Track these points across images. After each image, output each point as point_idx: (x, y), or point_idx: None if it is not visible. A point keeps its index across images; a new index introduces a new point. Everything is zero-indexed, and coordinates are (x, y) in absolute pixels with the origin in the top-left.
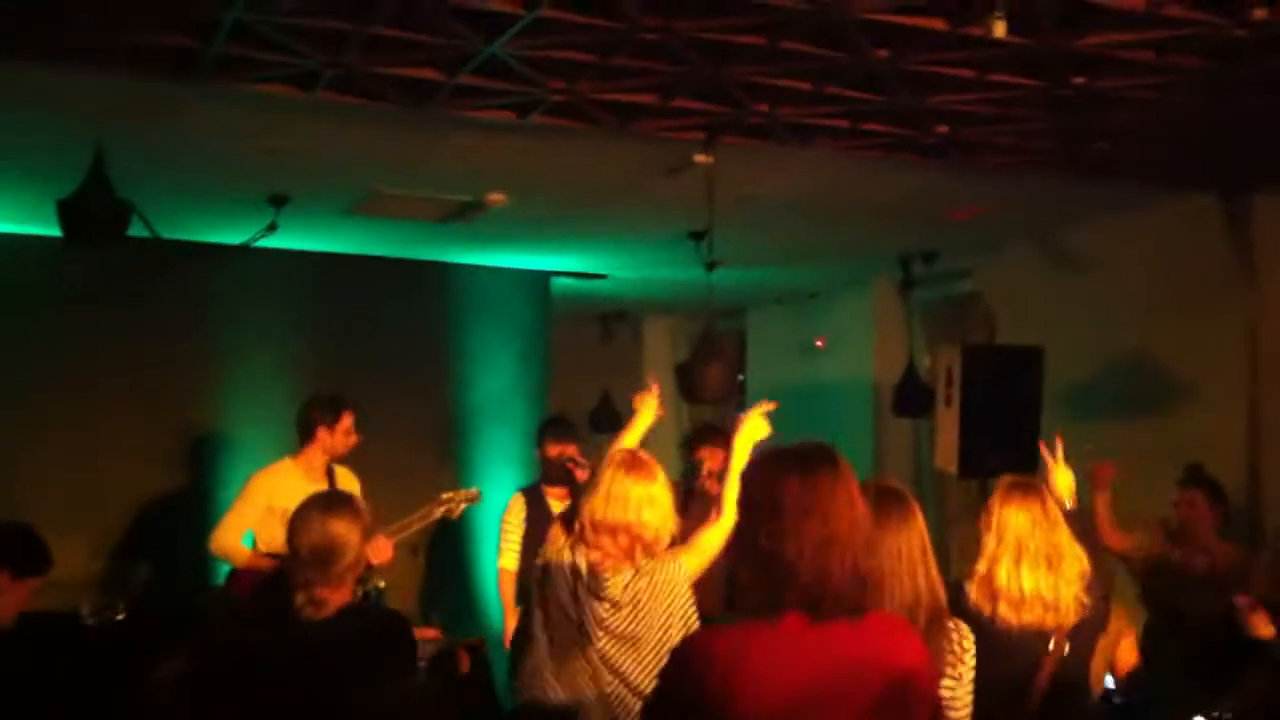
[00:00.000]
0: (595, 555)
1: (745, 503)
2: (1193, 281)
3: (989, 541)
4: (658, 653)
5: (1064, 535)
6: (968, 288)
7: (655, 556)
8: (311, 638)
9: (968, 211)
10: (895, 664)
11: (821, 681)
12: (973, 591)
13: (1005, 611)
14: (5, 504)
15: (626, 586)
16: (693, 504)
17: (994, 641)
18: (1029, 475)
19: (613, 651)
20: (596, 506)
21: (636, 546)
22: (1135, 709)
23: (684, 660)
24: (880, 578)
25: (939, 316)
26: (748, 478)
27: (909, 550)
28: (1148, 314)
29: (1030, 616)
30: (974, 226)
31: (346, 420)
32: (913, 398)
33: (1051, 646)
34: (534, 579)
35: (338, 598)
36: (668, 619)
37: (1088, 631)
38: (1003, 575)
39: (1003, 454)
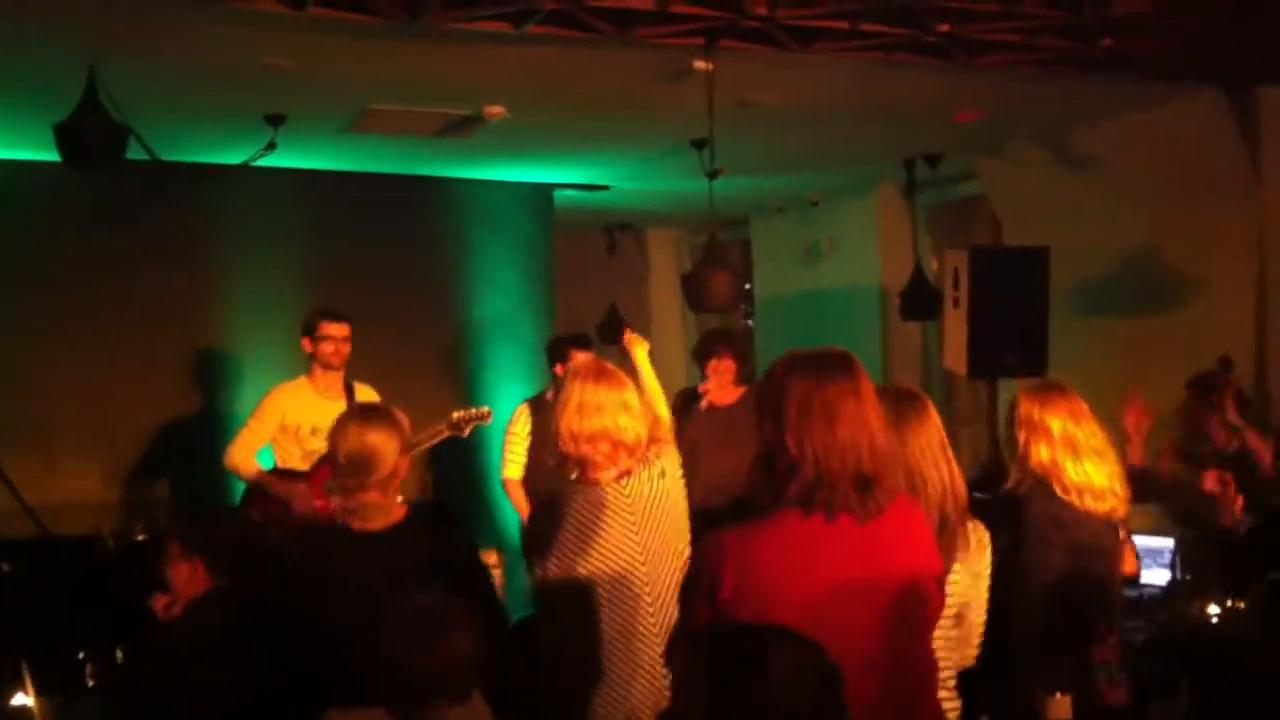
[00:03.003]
0: (581, 467)
1: (759, 405)
2: (1198, 176)
3: (1038, 448)
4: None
5: (1099, 428)
6: (972, 190)
7: (640, 459)
8: (368, 550)
9: (971, 113)
10: (901, 563)
11: (831, 578)
12: (1058, 486)
13: (1091, 503)
14: (20, 431)
15: (639, 496)
16: (700, 413)
17: (1087, 537)
18: (1040, 375)
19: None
20: (571, 419)
21: (620, 451)
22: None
23: (703, 557)
24: (909, 476)
25: (944, 220)
26: (762, 383)
27: (930, 447)
28: (1154, 210)
29: (1106, 506)
30: (978, 128)
31: (325, 326)
32: (920, 301)
33: (1122, 534)
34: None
35: (389, 504)
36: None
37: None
38: (1071, 471)
39: (1012, 354)
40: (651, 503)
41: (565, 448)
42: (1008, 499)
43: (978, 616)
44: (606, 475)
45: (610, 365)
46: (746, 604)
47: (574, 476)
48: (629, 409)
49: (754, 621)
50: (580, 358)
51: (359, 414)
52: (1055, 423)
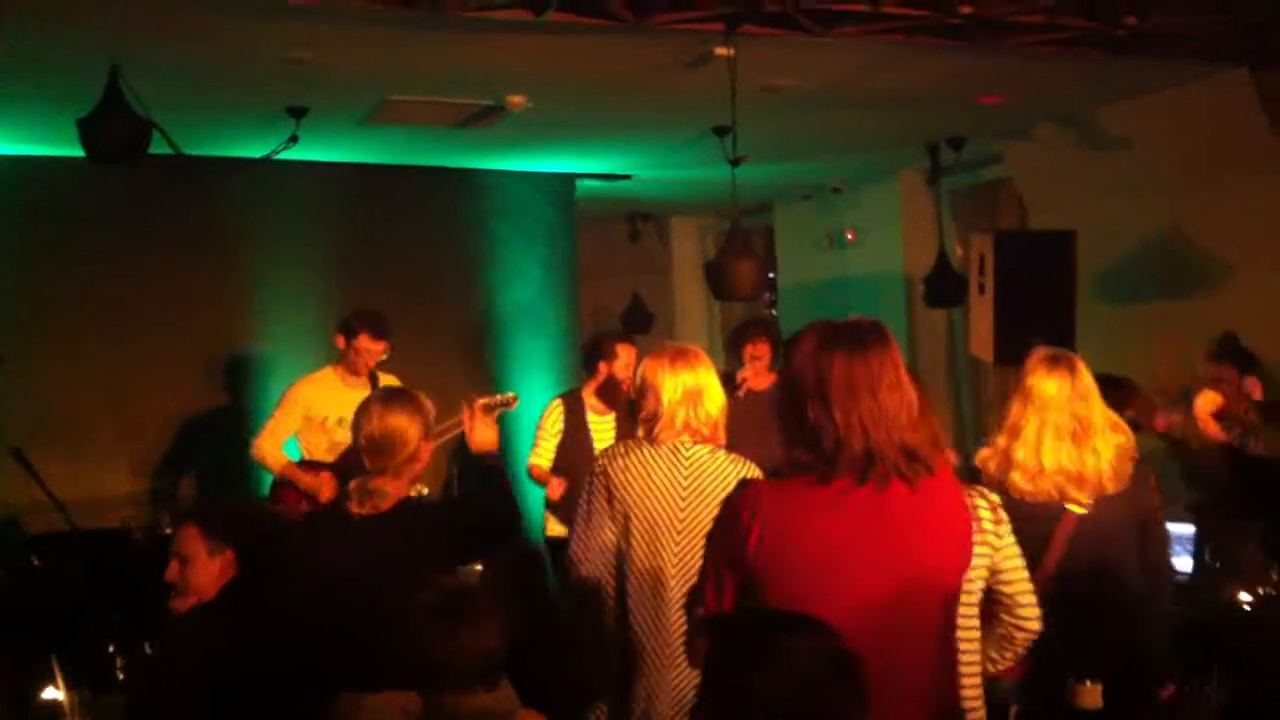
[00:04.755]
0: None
1: (791, 378)
2: (1224, 156)
3: (1014, 408)
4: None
5: (1097, 408)
6: (997, 174)
7: (718, 443)
8: (366, 531)
9: (995, 96)
10: (941, 530)
11: (863, 546)
12: (990, 463)
13: (1018, 481)
14: (47, 426)
15: (696, 463)
16: (738, 400)
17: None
18: None
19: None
20: (679, 404)
21: (718, 431)
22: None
23: (736, 509)
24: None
25: (969, 204)
26: (795, 353)
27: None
28: (1180, 192)
29: (1047, 486)
30: (1002, 110)
31: (363, 340)
32: (945, 287)
33: (1064, 517)
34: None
35: (394, 491)
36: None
37: (1125, 507)
38: (1020, 448)
39: (1038, 339)
40: (707, 475)
41: (672, 424)
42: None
43: (1021, 584)
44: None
45: (690, 346)
46: (780, 564)
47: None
48: (718, 390)
49: (780, 579)
50: (623, 354)
51: (381, 397)
52: (1039, 388)
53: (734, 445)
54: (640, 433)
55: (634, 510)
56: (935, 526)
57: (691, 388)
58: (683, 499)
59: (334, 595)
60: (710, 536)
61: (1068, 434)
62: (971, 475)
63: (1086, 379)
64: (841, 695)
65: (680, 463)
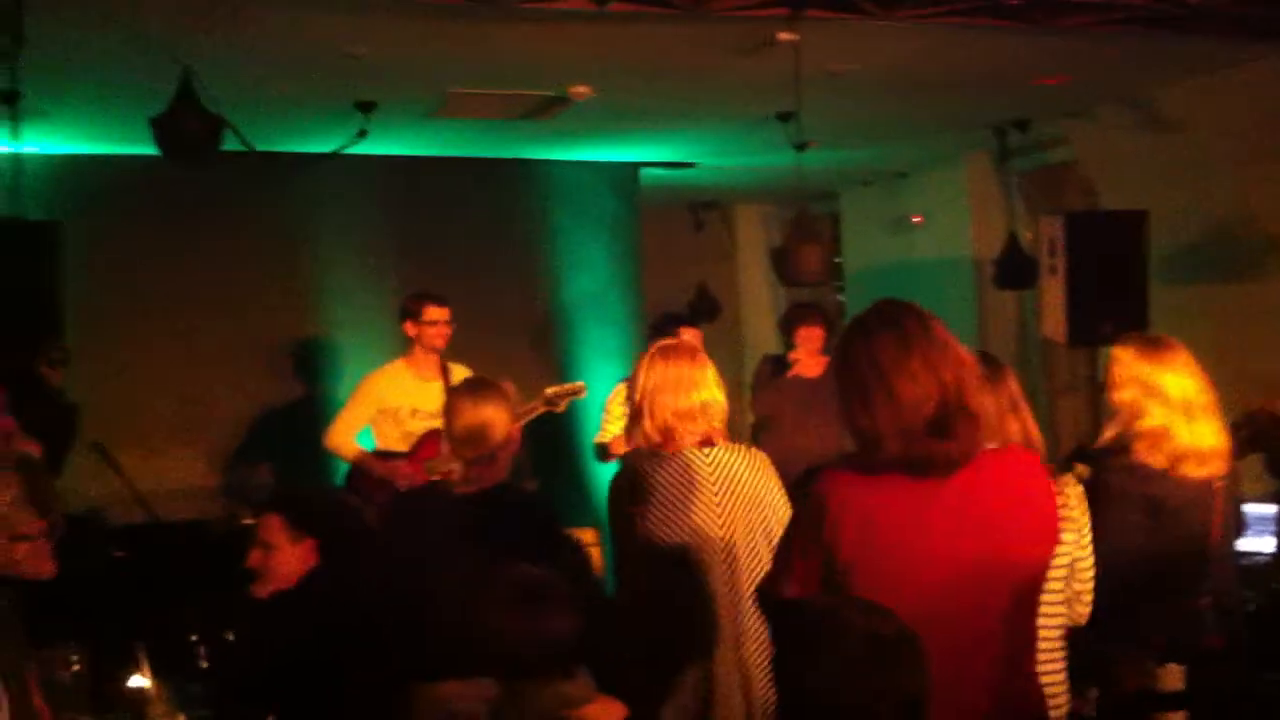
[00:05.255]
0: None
1: (839, 371)
2: None
3: (1150, 405)
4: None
5: (1207, 384)
6: (1065, 156)
7: (724, 436)
8: (463, 509)
9: (1057, 77)
10: (1018, 518)
11: (951, 537)
12: (1143, 450)
13: (1190, 469)
14: (125, 420)
15: (721, 463)
16: (786, 382)
17: (1171, 497)
18: None
19: (725, 545)
20: (670, 397)
21: (714, 425)
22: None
23: (822, 500)
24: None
25: (1037, 186)
26: (842, 343)
27: (1002, 407)
28: (1247, 171)
29: (1208, 470)
30: (1064, 91)
31: (429, 311)
32: (1016, 270)
33: (1222, 489)
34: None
35: (492, 476)
36: (764, 511)
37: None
38: (1184, 433)
39: (1111, 320)
40: (736, 473)
41: (668, 424)
42: (1090, 456)
43: (1086, 573)
44: (691, 444)
45: (682, 341)
46: (865, 557)
47: (657, 444)
48: (715, 383)
49: (865, 568)
50: (686, 335)
51: (469, 388)
52: (1171, 381)
53: (775, 427)
54: (639, 437)
55: (671, 516)
56: (1023, 515)
57: (674, 379)
58: (719, 517)
59: (421, 573)
60: (792, 525)
61: (1208, 412)
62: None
63: (1191, 356)
64: (903, 678)
65: (705, 464)
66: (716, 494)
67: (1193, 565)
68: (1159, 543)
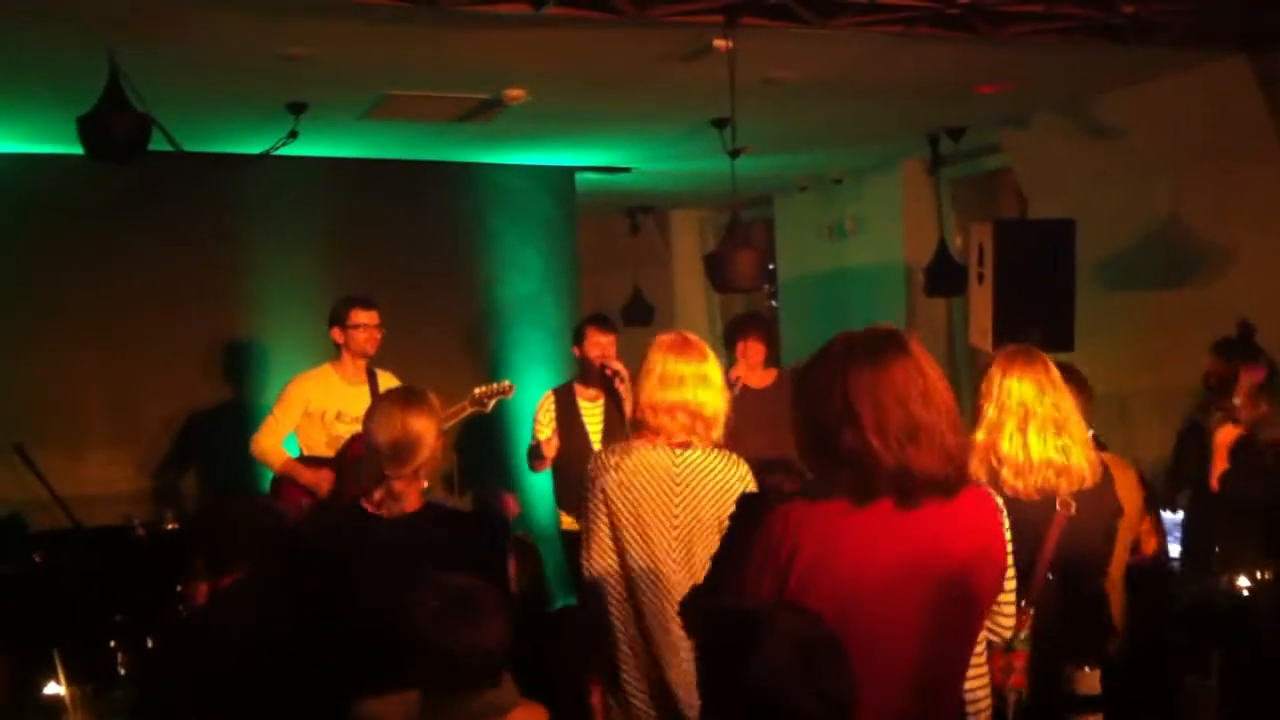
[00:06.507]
0: (655, 438)
1: (813, 397)
2: (1224, 143)
3: (989, 410)
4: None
5: (1068, 400)
6: (998, 163)
7: (714, 438)
8: (393, 534)
9: (995, 85)
10: (975, 545)
11: (905, 565)
12: (971, 461)
13: (1009, 478)
14: (49, 423)
15: (690, 465)
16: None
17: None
18: (1063, 350)
19: (682, 548)
20: (653, 389)
21: (697, 424)
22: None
23: (769, 532)
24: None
25: (969, 194)
26: (812, 372)
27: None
28: (1179, 179)
29: (1037, 480)
30: (1002, 99)
31: (356, 315)
32: (945, 277)
33: (1058, 507)
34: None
35: (415, 492)
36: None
37: (1099, 502)
38: (1005, 442)
39: (1038, 329)
40: (706, 477)
41: (643, 416)
42: None
43: (1010, 589)
44: (667, 442)
45: (694, 338)
46: (821, 588)
47: (633, 437)
48: (709, 383)
49: (828, 604)
50: (604, 339)
51: (400, 399)
52: (1015, 388)
53: (732, 443)
54: (630, 429)
55: (629, 514)
56: (977, 543)
57: (681, 376)
58: (676, 502)
59: (355, 593)
60: (737, 550)
61: (1051, 425)
62: None
63: (1055, 370)
64: (825, 679)
65: (672, 465)
66: (678, 496)
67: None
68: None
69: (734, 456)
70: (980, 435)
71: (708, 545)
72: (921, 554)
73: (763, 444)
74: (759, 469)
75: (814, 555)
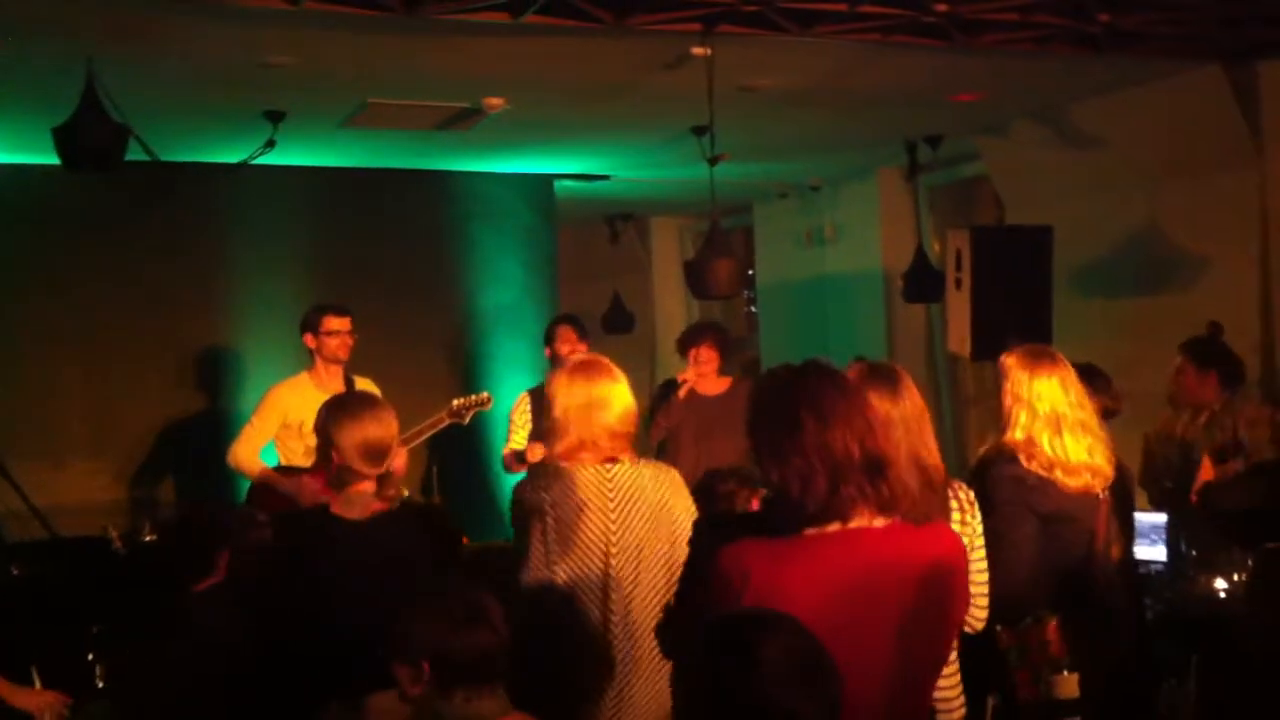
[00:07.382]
0: (588, 457)
1: (766, 424)
2: (1200, 152)
3: (1020, 413)
4: (666, 570)
5: (1086, 397)
6: (975, 170)
7: (626, 453)
8: (357, 536)
9: (972, 94)
10: (931, 558)
11: (858, 586)
12: (1024, 458)
13: (1063, 478)
14: (26, 434)
15: (621, 482)
16: (679, 402)
17: (1057, 506)
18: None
19: (622, 566)
20: (577, 413)
21: (618, 442)
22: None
23: (726, 576)
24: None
25: (947, 201)
26: (764, 400)
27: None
28: (1155, 188)
29: (1080, 482)
30: (979, 107)
31: (328, 321)
32: (923, 283)
33: (1101, 495)
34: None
35: (384, 493)
36: (672, 528)
37: (1121, 497)
38: (1047, 445)
39: (1015, 335)
40: (637, 491)
41: (566, 438)
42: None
43: (980, 575)
44: (595, 460)
45: (604, 360)
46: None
47: (557, 458)
48: (626, 402)
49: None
50: (573, 335)
51: (370, 404)
52: (1044, 390)
53: (676, 447)
54: (552, 451)
55: (567, 534)
56: (941, 562)
57: (590, 399)
58: (613, 519)
59: (331, 598)
60: (690, 589)
61: (1079, 427)
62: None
63: (1072, 370)
64: (816, 698)
65: (604, 490)
66: (614, 512)
67: (1081, 575)
68: (1050, 553)
69: (663, 465)
70: (1018, 435)
71: (655, 552)
72: (886, 582)
73: (716, 451)
74: (711, 476)
75: (766, 596)
